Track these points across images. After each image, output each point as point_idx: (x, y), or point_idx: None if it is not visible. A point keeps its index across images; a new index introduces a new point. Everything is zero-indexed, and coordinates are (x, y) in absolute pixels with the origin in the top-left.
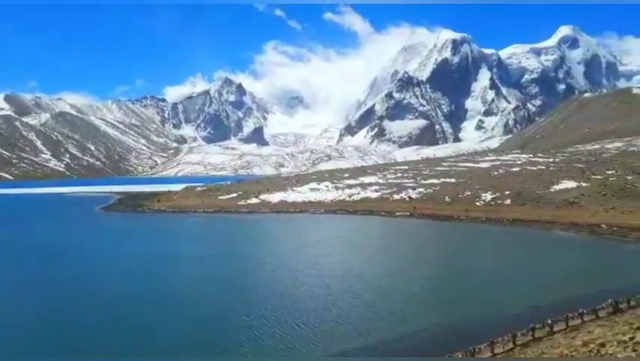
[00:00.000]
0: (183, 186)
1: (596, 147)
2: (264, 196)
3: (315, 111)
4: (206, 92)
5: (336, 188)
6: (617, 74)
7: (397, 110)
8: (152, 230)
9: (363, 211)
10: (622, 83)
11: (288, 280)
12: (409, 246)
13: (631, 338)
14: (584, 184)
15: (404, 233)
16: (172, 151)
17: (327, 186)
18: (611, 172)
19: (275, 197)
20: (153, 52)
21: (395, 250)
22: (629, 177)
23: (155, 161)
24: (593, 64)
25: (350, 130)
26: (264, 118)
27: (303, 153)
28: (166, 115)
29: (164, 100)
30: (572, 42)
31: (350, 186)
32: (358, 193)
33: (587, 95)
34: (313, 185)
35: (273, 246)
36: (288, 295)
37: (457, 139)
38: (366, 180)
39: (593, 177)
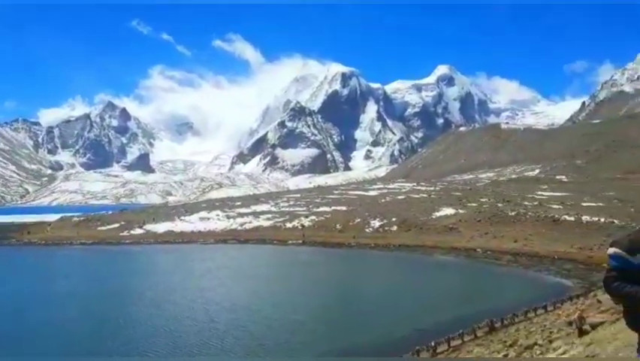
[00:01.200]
0: (58, 216)
1: (471, 176)
2: (149, 226)
3: (206, 138)
4: (87, 116)
5: (228, 217)
6: (488, 111)
7: (290, 139)
8: (19, 265)
9: (255, 240)
10: (492, 119)
11: (170, 314)
12: (299, 275)
13: (505, 355)
14: (461, 211)
15: (295, 262)
16: (46, 178)
17: (217, 215)
18: (484, 200)
19: (161, 227)
20: (25, 71)
21: (284, 280)
22: (499, 205)
23: (27, 189)
24: (467, 101)
25: (242, 158)
26: (151, 144)
27: (193, 181)
28: (40, 140)
29: (37, 123)
30: (449, 80)
31: (242, 215)
32: (250, 222)
33: (462, 129)
34: (203, 214)
35: (155, 279)
36: (169, 330)
37: (347, 168)
38: (259, 208)
39: (468, 204)
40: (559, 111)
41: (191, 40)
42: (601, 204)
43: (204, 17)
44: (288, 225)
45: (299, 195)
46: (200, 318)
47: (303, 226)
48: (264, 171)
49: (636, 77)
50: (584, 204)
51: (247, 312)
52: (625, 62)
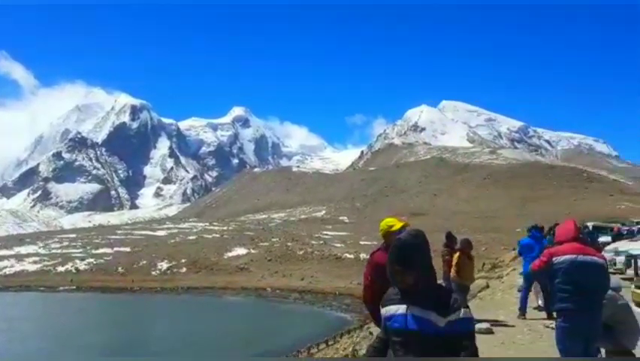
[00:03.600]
0: None
1: (264, 216)
2: None
3: None
4: None
5: None
6: (281, 154)
7: (67, 172)
8: None
9: (17, 287)
10: (284, 162)
11: None
12: (65, 326)
13: None
14: (253, 251)
15: (64, 311)
16: None
17: None
18: (275, 239)
19: None
20: None
21: (44, 333)
22: (289, 244)
23: None
24: (261, 143)
25: (6, 191)
26: None
27: None
28: None
29: None
30: (244, 122)
31: (1, 258)
32: (12, 266)
33: (256, 169)
34: None
35: None
36: None
37: (134, 206)
38: (24, 250)
39: (260, 244)
40: (342, 158)
41: None
42: (375, 242)
43: None
44: (60, 268)
45: (75, 235)
46: None
47: (78, 269)
48: (32, 207)
49: (403, 132)
50: (362, 242)
51: None
52: (395, 118)
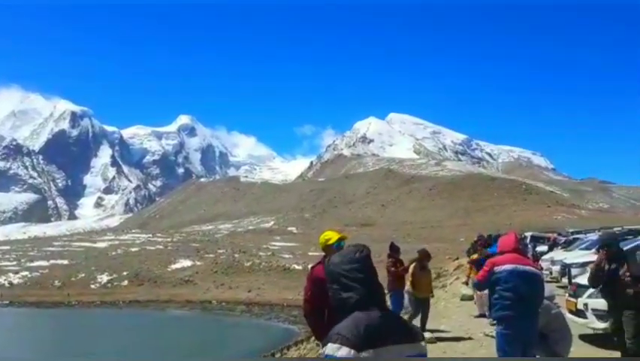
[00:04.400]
0: None
1: (210, 227)
2: None
3: None
4: None
5: None
6: (228, 164)
7: (1, 181)
8: None
9: None
10: (232, 172)
11: None
12: None
13: None
14: (198, 263)
15: None
16: None
17: None
18: (222, 251)
19: None
20: None
21: None
22: (236, 255)
23: None
24: (208, 152)
25: None
26: None
27: None
28: None
29: None
30: (190, 130)
31: None
32: None
33: (203, 179)
34: None
35: None
36: None
37: (73, 216)
38: None
39: (206, 255)
40: (291, 168)
41: None
42: (323, 253)
43: None
44: None
45: (8, 248)
46: None
47: (11, 283)
48: None
49: (352, 143)
50: (311, 253)
51: None
52: (344, 129)
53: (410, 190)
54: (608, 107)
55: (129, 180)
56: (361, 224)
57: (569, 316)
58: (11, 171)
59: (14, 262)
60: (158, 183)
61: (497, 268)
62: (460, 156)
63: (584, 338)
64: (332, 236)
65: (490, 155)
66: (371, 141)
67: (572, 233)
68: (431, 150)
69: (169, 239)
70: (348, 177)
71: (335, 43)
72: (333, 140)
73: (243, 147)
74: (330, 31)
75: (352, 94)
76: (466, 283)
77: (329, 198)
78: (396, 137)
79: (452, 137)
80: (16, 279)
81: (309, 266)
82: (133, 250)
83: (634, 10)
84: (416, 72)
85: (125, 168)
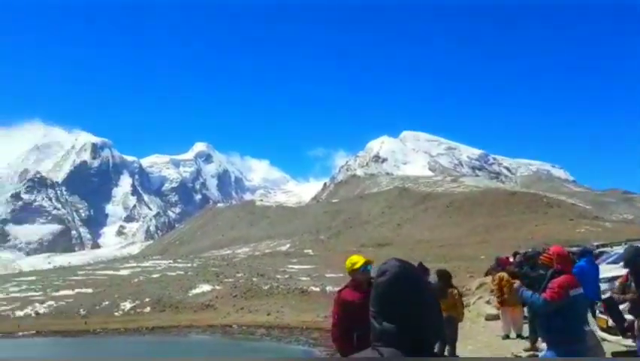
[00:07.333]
0: None
1: (228, 252)
2: None
3: None
4: None
5: None
6: (244, 188)
7: (26, 213)
8: None
9: None
10: (248, 196)
11: None
12: None
13: None
14: (217, 287)
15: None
16: None
17: None
18: (240, 275)
19: None
20: None
21: None
22: (254, 279)
23: None
24: (224, 178)
25: None
26: None
27: None
28: None
29: None
30: (207, 157)
31: None
32: None
33: (220, 205)
34: None
35: None
36: None
37: (95, 245)
38: None
39: (225, 280)
40: (305, 191)
41: None
42: (341, 274)
43: None
44: (19, 313)
45: (34, 278)
46: None
47: (37, 313)
48: None
49: (365, 163)
50: (328, 275)
51: None
52: (356, 149)
53: (426, 208)
54: (625, 116)
55: (149, 208)
56: (378, 244)
57: (600, 333)
58: (36, 203)
59: (40, 292)
60: (177, 209)
61: (572, 292)
62: (477, 171)
63: (616, 355)
64: (358, 260)
65: (508, 169)
66: (384, 160)
67: (598, 246)
68: (447, 167)
69: (189, 264)
70: (363, 197)
71: (344, 63)
72: (346, 160)
73: (257, 172)
74: (339, 50)
75: (363, 114)
76: (488, 302)
77: (344, 219)
78: (411, 155)
79: (468, 152)
80: (42, 309)
81: (327, 288)
82: (154, 276)
83: None
84: (428, 89)
85: (145, 196)
